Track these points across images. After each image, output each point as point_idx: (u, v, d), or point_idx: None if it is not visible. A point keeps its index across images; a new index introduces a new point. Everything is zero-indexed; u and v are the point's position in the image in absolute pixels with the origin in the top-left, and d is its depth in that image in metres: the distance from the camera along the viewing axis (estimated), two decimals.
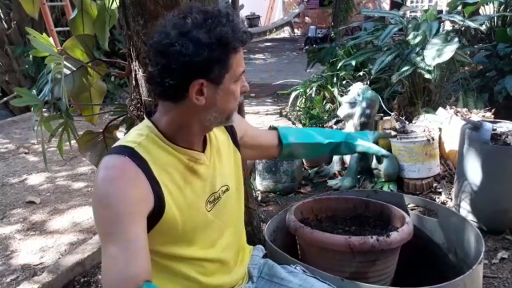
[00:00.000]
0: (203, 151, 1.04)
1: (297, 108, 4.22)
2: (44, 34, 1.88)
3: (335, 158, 3.20)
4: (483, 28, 3.80)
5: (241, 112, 1.89)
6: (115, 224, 0.86)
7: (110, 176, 0.90)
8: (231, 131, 1.17)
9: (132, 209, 0.87)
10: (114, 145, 1.00)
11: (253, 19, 16.49)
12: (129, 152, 0.93)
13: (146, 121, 1.01)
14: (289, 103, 4.44)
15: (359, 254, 1.22)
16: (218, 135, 1.12)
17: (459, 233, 1.39)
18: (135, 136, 0.98)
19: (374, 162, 2.85)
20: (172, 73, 0.88)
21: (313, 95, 4.19)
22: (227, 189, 1.10)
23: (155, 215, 0.93)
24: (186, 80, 0.90)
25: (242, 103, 1.89)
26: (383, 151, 1.32)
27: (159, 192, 0.93)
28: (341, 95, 3.86)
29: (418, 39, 3.21)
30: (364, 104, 2.95)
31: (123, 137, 1.02)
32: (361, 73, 4.09)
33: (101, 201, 0.88)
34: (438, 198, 2.65)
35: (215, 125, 1.01)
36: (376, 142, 1.34)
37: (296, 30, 16.86)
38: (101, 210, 0.88)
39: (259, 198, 2.82)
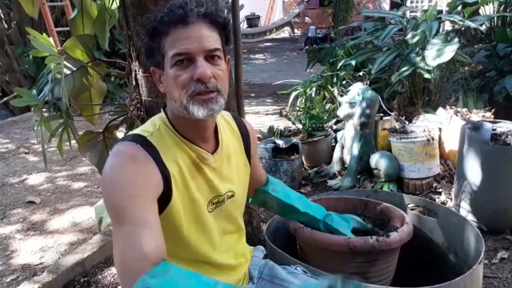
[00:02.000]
0: (213, 153, 1.04)
1: (297, 108, 4.22)
2: (44, 34, 1.89)
3: (335, 158, 3.21)
4: (483, 28, 3.81)
5: (241, 112, 1.89)
6: (126, 207, 0.85)
7: (120, 162, 0.90)
8: (246, 142, 1.17)
9: (142, 192, 0.88)
10: (128, 133, 1.01)
11: (253, 19, 16.49)
12: (141, 140, 0.94)
13: (161, 113, 1.03)
14: (289, 103, 4.44)
15: (359, 255, 1.22)
16: (232, 142, 1.12)
17: (459, 233, 1.39)
18: (149, 126, 1.00)
19: (374, 162, 2.85)
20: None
21: (313, 95, 4.19)
22: (233, 195, 1.09)
23: (163, 201, 0.93)
24: (149, 68, 0.99)
25: (242, 103, 1.89)
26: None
27: (169, 180, 0.94)
28: (341, 95, 3.86)
29: (416, 38, 3.21)
30: (364, 104, 2.95)
31: (137, 128, 1.03)
32: (361, 73, 4.09)
33: (110, 185, 0.88)
34: (438, 198, 2.65)
35: (187, 116, 0.93)
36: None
37: (296, 30, 16.86)
38: (111, 194, 0.87)
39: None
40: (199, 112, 0.91)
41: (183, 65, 0.91)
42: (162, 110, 1.04)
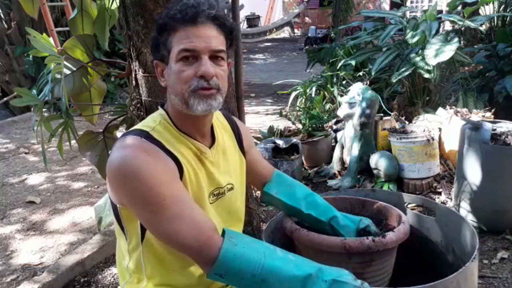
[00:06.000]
0: (210, 148, 1.07)
1: (297, 108, 4.22)
2: (44, 34, 1.89)
3: (335, 158, 3.21)
4: (483, 28, 3.81)
5: (241, 112, 1.89)
6: (159, 192, 0.89)
7: (131, 153, 0.92)
8: (239, 138, 1.20)
9: (167, 176, 0.92)
10: (129, 129, 1.04)
11: (253, 19, 16.50)
12: (144, 134, 0.97)
13: (159, 110, 1.06)
14: (289, 103, 4.45)
15: (355, 255, 1.21)
16: (226, 139, 1.15)
17: (455, 231, 1.38)
18: (149, 121, 1.03)
19: (374, 162, 2.85)
20: None
21: (313, 95, 4.20)
22: (232, 188, 1.12)
23: None
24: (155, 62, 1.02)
25: (242, 103, 1.89)
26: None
27: (182, 168, 0.97)
28: (341, 95, 3.86)
29: (416, 38, 3.21)
30: (364, 104, 2.95)
31: (137, 124, 1.05)
32: (361, 73, 4.09)
33: (134, 177, 0.89)
34: (438, 198, 2.65)
35: (186, 112, 0.97)
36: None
37: (296, 30, 16.87)
38: (140, 185, 0.89)
39: (259, 198, 2.81)
40: (198, 106, 0.95)
41: (188, 62, 0.94)
42: (160, 107, 1.06)
